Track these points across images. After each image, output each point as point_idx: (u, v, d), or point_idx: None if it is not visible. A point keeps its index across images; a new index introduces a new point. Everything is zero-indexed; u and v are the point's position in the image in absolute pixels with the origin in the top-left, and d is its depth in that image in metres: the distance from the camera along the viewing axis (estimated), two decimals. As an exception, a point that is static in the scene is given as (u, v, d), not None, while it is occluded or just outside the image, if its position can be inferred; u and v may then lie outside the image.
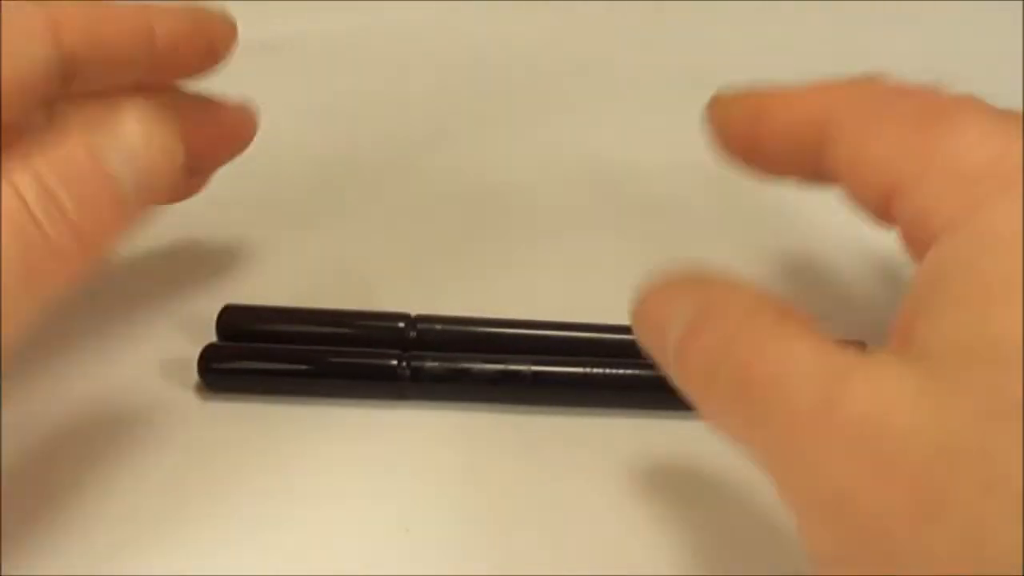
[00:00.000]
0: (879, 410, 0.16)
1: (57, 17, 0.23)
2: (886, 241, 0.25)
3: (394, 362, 0.25)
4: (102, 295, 0.29)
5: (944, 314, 0.16)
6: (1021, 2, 0.39)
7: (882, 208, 0.19)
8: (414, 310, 0.27)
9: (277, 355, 0.26)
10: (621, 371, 0.25)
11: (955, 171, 0.18)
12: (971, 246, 0.17)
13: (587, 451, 0.24)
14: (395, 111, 0.38)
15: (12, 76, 0.22)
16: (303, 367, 0.26)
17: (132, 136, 0.22)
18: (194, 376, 0.26)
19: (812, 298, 0.29)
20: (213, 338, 0.27)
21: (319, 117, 0.37)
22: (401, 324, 0.26)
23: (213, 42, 0.26)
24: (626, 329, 0.26)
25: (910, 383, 0.16)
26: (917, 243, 0.18)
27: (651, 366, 0.25)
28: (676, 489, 0.24)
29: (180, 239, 0.31)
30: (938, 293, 0.17)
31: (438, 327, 0.26)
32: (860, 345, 0.22)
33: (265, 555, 0.22)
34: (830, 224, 0.29)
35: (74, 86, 0.23)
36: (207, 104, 0.28)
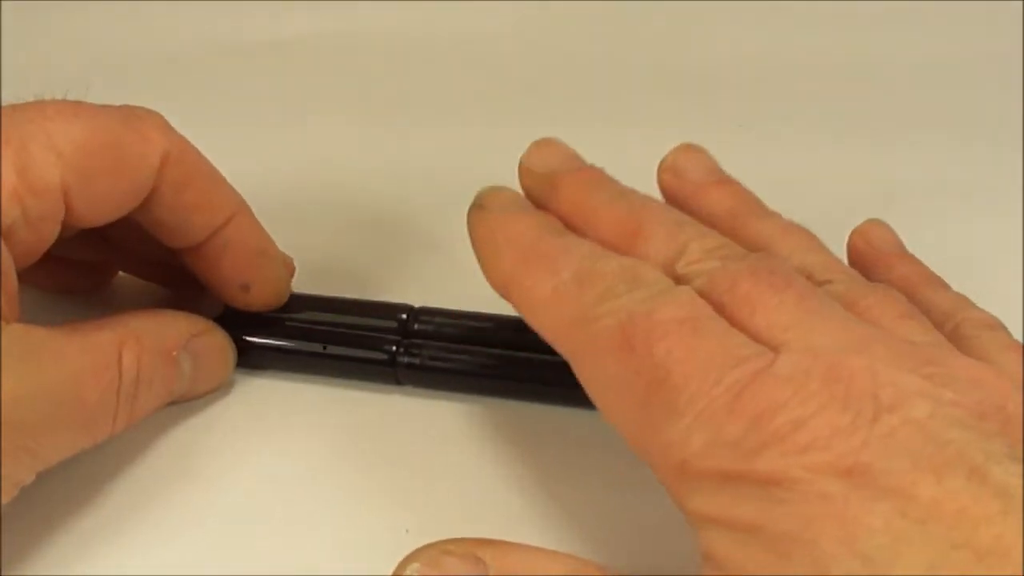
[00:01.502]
0: None
1: (170, 155, 0.23)
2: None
3: (393, 348, 0.26)
4: (114, 287, 0.29)
5: None
6: (1021, 2, 0.40)
7: None
8: (417, 304, 0.27)
9: (280, 330, 0.27)
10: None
11: (681, 465, 0.18)
12: (731, 538, 0.17)
13: (586, 448, 0.25)
14: (396, 109, 0.38)
15: (113, 185, 0.23)
16: (304, 343, 0.27)
17: (217, 355, 0.26)
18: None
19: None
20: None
21: (320, 115, 0.38)
22: (404, 315, 0.27)
23: (258, 282, 0.26)
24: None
25: None
26: None
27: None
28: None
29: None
30: None
31: (439, 320, 0.27)
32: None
33: (262, 553, 0.23)
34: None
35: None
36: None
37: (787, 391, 0.17)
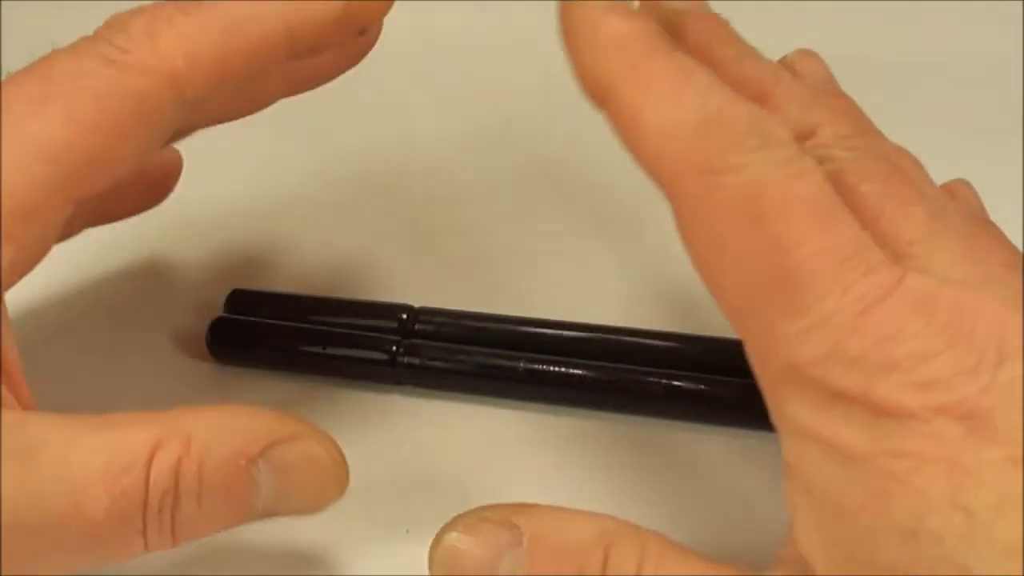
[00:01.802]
0: None
1: (179, 69, 0.19)
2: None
3: (393, 348, 0.26)
4: (124, 284, 0.29)
5: (821, 529, 0.16)
6: (1021, 2, 0.39)
7: None
8: (417, 304, 0.27)
9: (280, 331, 0.27)
10: (621, 377, 0.25)
11: (791, 366, 0.16)
12: (826, 461, 0.16)
13: (586, 449, 0.25)
14: (396, 109, 0.38)
15: (127, 152, 0.20)
16: (304, 344, 0.27)
17: (308, 466, 0.20)
18: (205, 351, 0.27)
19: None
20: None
21: (319, 115, 0.37)
22: (404, 315, 0.27)
23: (361, 25, 0.21)
24: (628, 332, 0.26)
25: None
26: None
27: (646, 373, 0.25)
28: (672, 493, 0.24)
29: (192, 232, 0.31)
30: (808, 505, 0.17)
31: (439, 320, 0.27)
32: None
33: (261, 553, 0.23)
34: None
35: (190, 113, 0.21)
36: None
37: (916, 321, 0.16)
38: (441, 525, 0.23)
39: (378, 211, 0.32)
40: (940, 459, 0.15)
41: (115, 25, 0.20)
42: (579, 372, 0.25)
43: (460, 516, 0.19)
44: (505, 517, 0.19)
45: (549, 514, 0.19)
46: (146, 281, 0.30)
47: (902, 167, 0.20)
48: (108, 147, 0.19)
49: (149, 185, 0.27)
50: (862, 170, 0.18)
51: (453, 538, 0.19)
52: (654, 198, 0.33)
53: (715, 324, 0.27)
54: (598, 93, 0.18)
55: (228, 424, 0.19)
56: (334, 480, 0.20)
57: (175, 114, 0.20)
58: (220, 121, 0.25)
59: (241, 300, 0.28)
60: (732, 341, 0.26)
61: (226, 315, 0.27)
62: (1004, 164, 0.34)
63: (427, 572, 0.22)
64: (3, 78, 0.20)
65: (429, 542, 0.22)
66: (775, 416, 0.17)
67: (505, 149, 0.36)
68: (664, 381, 0.25)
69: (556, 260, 0.30)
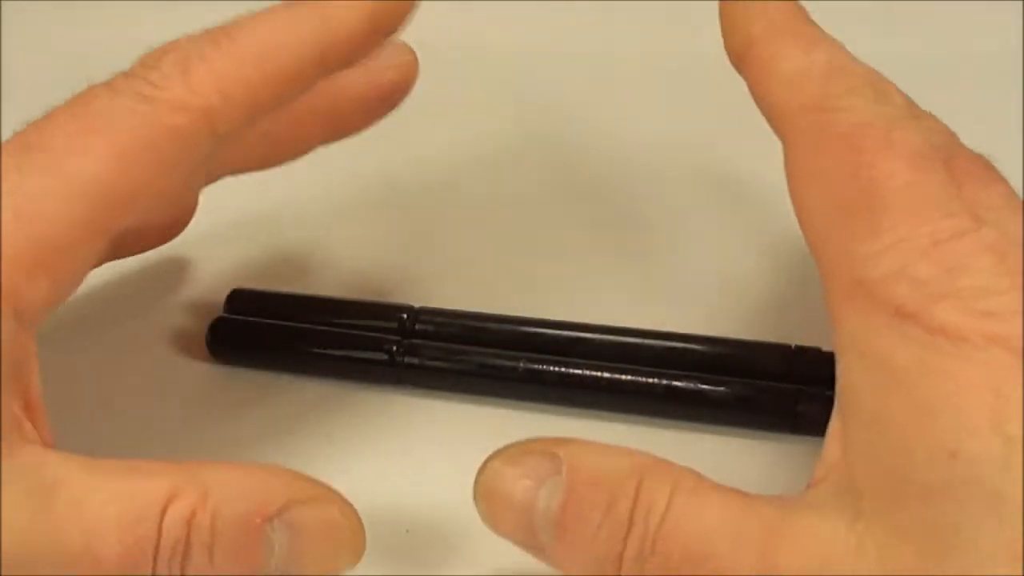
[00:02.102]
0: (819, 563, 0.16)
1: (213, 105, 0.19)
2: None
3: (393, 347, 0.26)
4: (124, 284, 0.29)
5: (864, 445, 0.17)
6: (1021, 2, 0.40)
7: None
8: (417, 304, 0.27)
9: (280, 331, 0.27)
10: (621, 376, 0.25)
11: (859, 283, 0.17)
12: (877, 377, 0.17)
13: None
14: (400, 112, 0.38)
15: (162, 187, 0.20)
16: (304, 344, 0.27)
17: (324, 537, 0.19)
18: (205, 351, 0.27)
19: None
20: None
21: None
22: (404, 315, 0.27)
23: (391, 27, 0.21)
24: (628, 332, 0.26)
25: (845, 530, 0.16)
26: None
27: (646, 373, 0.25)
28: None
29: (192, 232, 0.31)
30: (855, 421, 0.17)
31: (439, 320, 0.27)
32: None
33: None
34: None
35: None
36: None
37: (985, 260, 0.16)
38: (441, 525, 0.23)
39: (378, 211, 0.32)
40: (987, 385, 0.15)
41: (148, 63, 0.20)
42: (579, 372, 0.25)
43: (503, 448, 0.19)
44: (547, 448, 0.19)
45: (588, 447, 0.19)
46: (146, 281, 0.30)
47: (988, 163, 0.21)
48: (144, 183, 0.19)
49: (166, 223, 0.27)
50: (954, 150, 0.19)
51: (496, 468, 0.19)
52: (654, 198, 0.33)
53: (715, 324, 0.27)
54: (741, 48, 0.21)
55: (246, 480, 0.19)
56: (350, 546, 0.19)
57: (208, 148, 0.20)
58: (263, 167, 0.26)
59: (241, 300, 0.28)
60: (732, 341, 0.26)
61: (226, 315, 0.27)
62: (1004, 164, 0.34)
63: (427, 572, 0.22)
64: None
65: (429, 542, 0.22)
66: (836, 337, 0.18)
67: (505, 149, 0.36)
68: (664, 381, 0.25)
69: (556, 260, 0.30)
